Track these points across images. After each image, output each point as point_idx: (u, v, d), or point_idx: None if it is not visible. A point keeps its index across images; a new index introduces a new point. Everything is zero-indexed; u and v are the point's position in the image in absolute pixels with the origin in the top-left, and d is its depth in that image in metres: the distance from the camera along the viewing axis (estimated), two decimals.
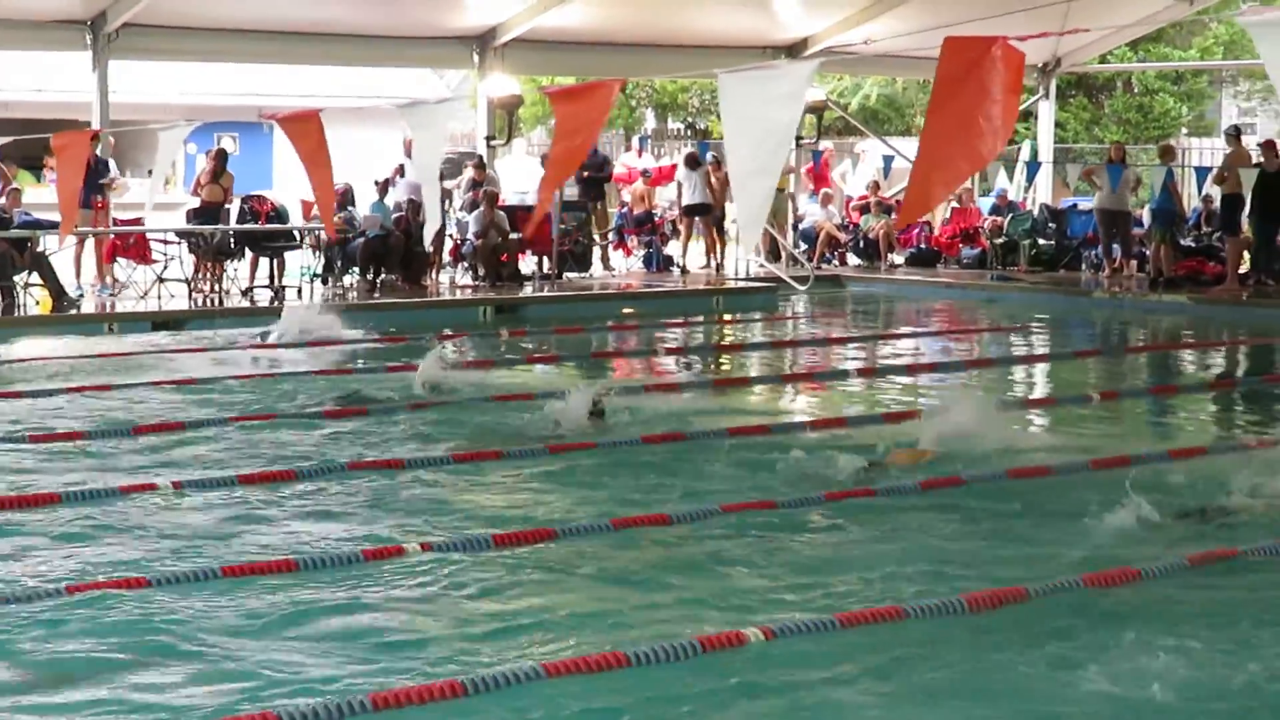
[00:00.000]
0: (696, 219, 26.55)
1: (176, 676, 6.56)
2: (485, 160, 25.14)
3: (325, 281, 22.38)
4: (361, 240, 22.19)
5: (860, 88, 41.51)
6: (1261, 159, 23.50)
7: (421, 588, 7.82)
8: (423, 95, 28.39)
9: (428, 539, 8.60)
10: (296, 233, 22.20)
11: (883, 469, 10.65)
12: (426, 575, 8.01)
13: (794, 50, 27.00)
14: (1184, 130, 40.64)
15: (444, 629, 7.22)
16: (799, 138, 27.29)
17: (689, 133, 43.20)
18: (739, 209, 15.25)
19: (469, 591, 7.79)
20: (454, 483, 10.37)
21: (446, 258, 24.23)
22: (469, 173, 25.06)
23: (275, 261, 22.08)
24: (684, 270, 26.41)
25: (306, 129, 17.19)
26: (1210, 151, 34.71)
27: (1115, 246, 25.21)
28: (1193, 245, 25.08)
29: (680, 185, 26.84)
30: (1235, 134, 24.77)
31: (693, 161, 26.19)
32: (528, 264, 24.69)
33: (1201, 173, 25.02)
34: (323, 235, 22.01)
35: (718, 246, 26.72)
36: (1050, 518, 9.36)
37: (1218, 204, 25.75)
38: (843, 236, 28.34)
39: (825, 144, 31.35)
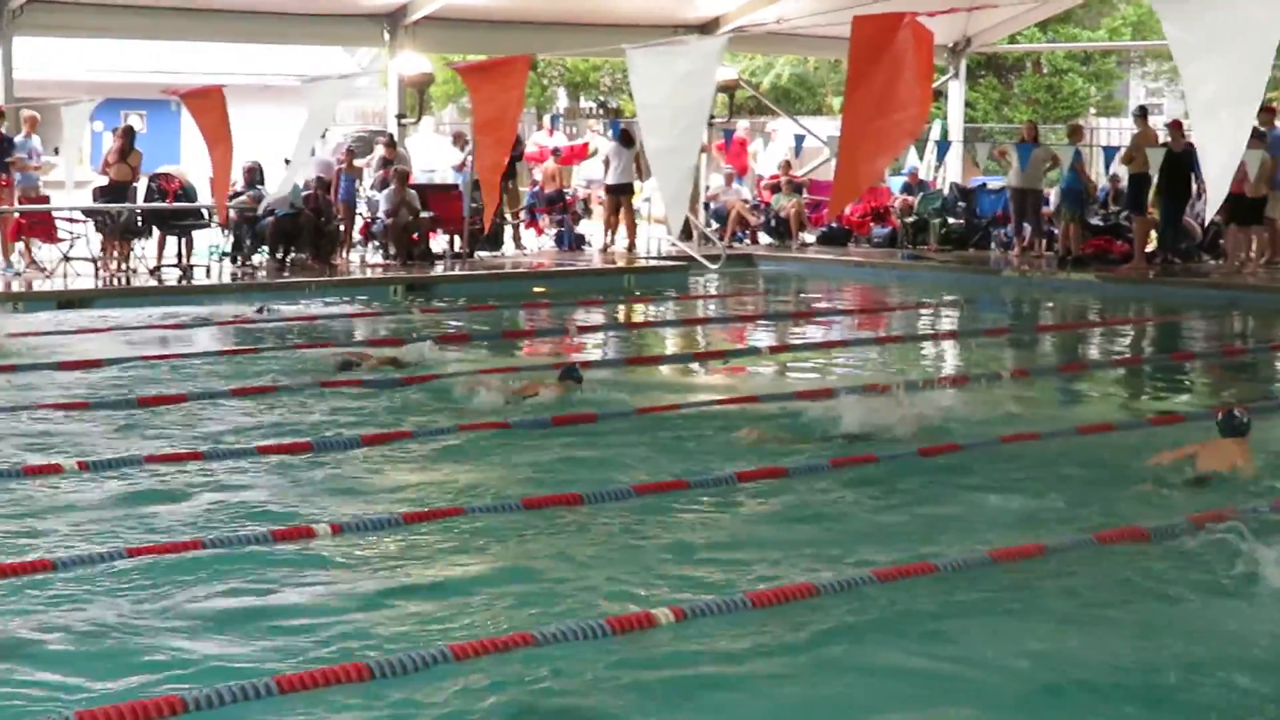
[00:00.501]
0: (619, 197, 26.51)
1: (81, 660, 6.48)
2: (396, 138, 25.00)
3: (234, 260, 22.20)
4: (271, 219, 22.02)
5: (772, 67, 41.55)
6: (1168, 139, 23.69)
7: (330, 569, 7.76)
8: (329, 72, 28.10)
9: (337, 520, 8.53)
10: (205, 211, 21.99)
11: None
12: (335, 556, 7.95)
13: (706, 29, 26.96)
14: (1092, 110, 40.93)
15: (352, 610, 7.15)
16: (710, 116, 27.31)
17: (601, 111, 43.15)
18: (661, 188, 15.26)
19: (378, 572, 7.73)
20: (365, 464, 10.29)
21: (357, 236, 24.10)
22: (379, 151, 24.93)
23: (183, 240, 21.86)
24: (606, 248, 26.38)
25: (209, 105, 17.07)
26: (1118, 131, 34.99)
27: (1025, 225, 25.36)
28: (1100, 224, 25.25)
29: (607, 162, 26.79)
30: (1142, 114, 24.95)
31: (627, 139, 26.07)
32: (439, 242, 24.58)
33: (1109, 152, 25.20)
34: (231, 213, 21.86)
35: (633, 225, 26.71)
36: (961, 494, 9.41)
37: (1125, 183, 25.96)
38: (753, 217, 28.38)
39: (742, 124, 31.43)
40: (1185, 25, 10.57)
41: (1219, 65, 10.20)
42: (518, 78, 16.35)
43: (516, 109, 16.55)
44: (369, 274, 22.36)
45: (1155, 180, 23.53)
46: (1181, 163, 23.00)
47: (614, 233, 26.40)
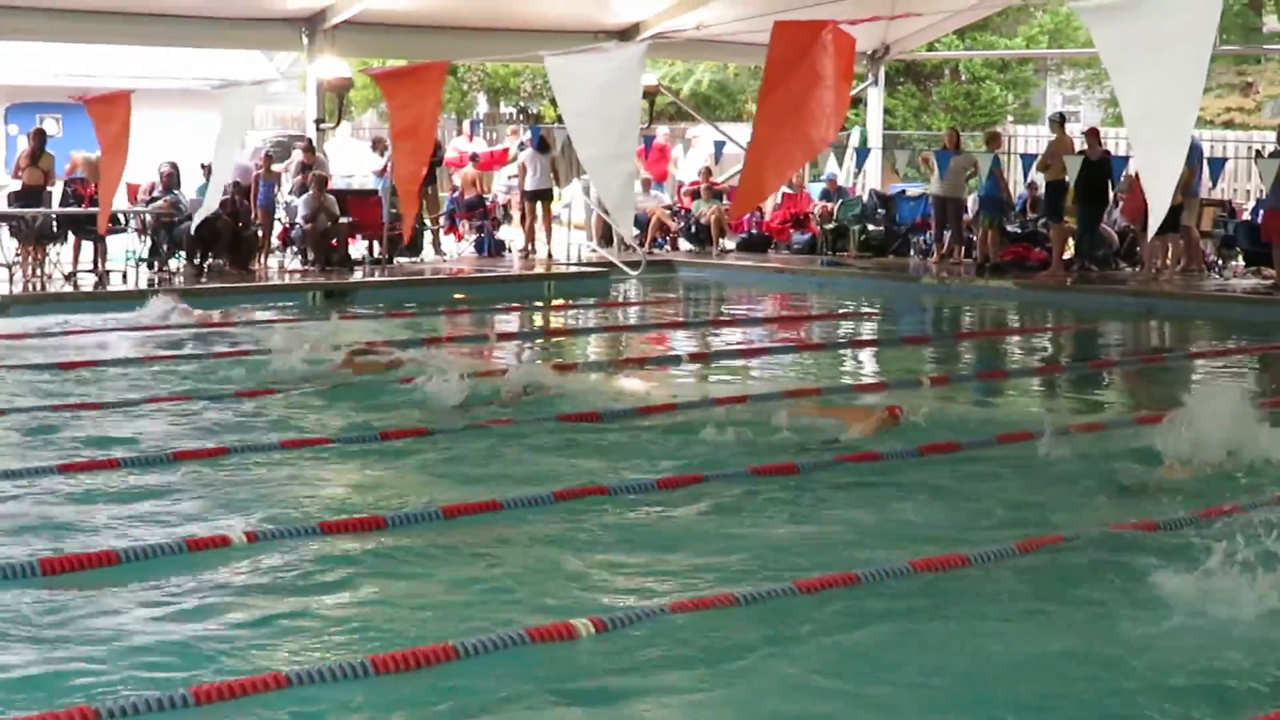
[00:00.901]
0: (538, 203, 26.48)
1: None
2: (315, 143, 24.86)
3: (151, 266, 22.00)
4: (188, 224, 21.85)
5: (692, 73, 41.57)
6: (1085, 146, 23.87)
7: (247, 579, 7.68)
8: (248, 77, 27.92)
9: (253, 529, 8.45)
10: (121, 216, 21.79)
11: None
12: (253, 566, 7.87)
13: (626, 35, 26.94)
14: (1010, 117, 41.14)
15: (270, 621, 7.08)
16: None
17: (521, 117, 43.05)
18: (604, 197, 15.22)
19: (296, 583, 7.65)
20: (284, 471, 10.21)
21: (275, 242, 23.95)
22: (298, 156, 24.79)
23: (96, 245, 21.64)
24: (527, 254, 26.34)
25: (113, 112, 16.87)
26: (1036, 139, 35.15)
27: (945, 232, 25.49)
28: (1018, 231, 25.41)
29: (524, 168, 26.75)
30: (1059, 121, 25.09)
31: (544, 145, 26.06)
32: (358, 248, 24.47)
33: (1027, 160, 25.34)
34: (148, 218, 21.69)
35: (550, 231, 26.68)
36: (882, 502, 9.41)
37: (1043, 190, 26.13)
38: (673, 223, 28.39)
39: (661, 129, 31.44)
40: (1114, 33, 10.60)
41: (1152, 74, 10.23)
42: (434, 84, 16.27)
43: (434, 116, 16.46)
44: (287, 280, 22.20)
45: (1072, 187, 23.72)
46: (1099, 170, 23.21)
47: (534, 239, 26.38)
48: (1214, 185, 25.49)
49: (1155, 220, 10.82)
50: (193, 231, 21.55)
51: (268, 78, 25.74)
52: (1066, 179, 23.34)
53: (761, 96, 12.70)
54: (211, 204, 18.42)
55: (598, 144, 13.97)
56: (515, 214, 28.86)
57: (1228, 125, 38.87)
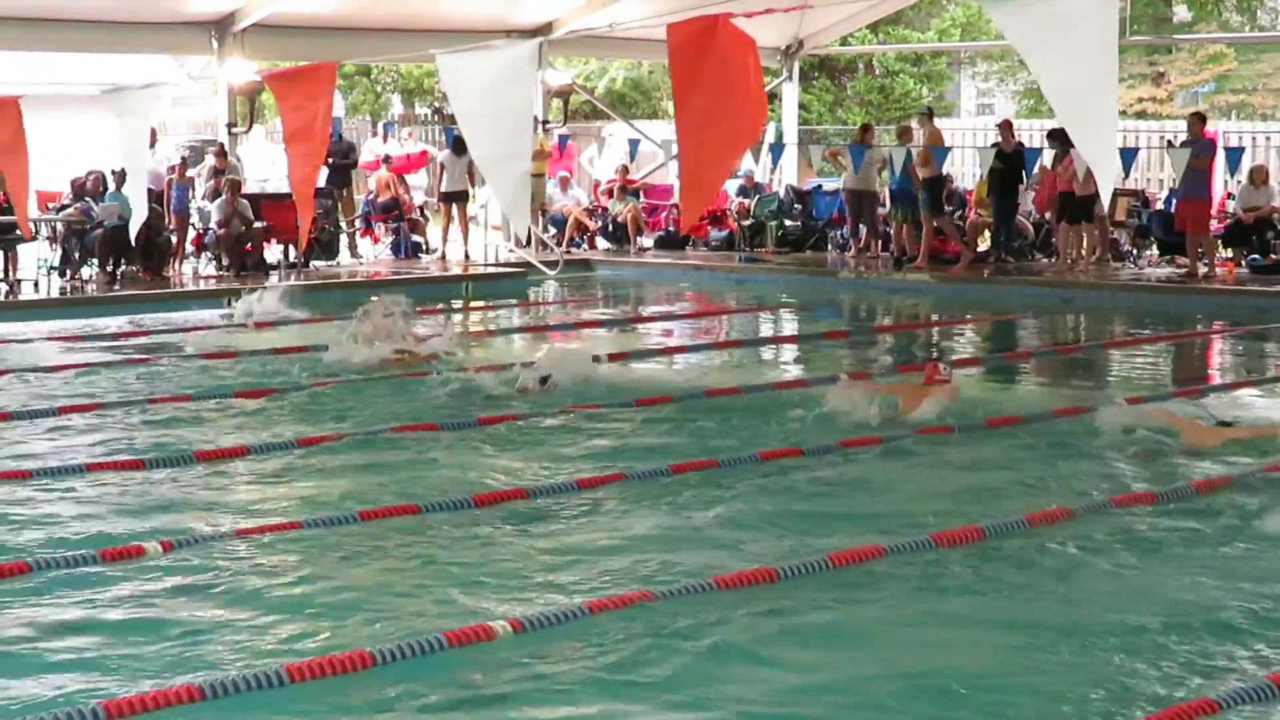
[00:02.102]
0: (454, 205, 26.39)
1: None
2: (227, 147, 24.67)
3: (63, 274, 21.77)
4: (100, 231, 21.63)
5: (606, 71, 41.54)
6: (999, 138, 24.02)
7: (163, 588, 7.59)
8: (155, 80, 27.61)
9: (169, 537, 8.35)
10: (31, 224, 21.54)
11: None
12: (168, 575, 7.78)
13: (538, 34, 26.85)
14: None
15: (184, 630, 7.00)
16: (545, 121, 27.24)
17: (436, 118, 42.87)
18: (498, 197, 15.13)
19: (211, 591, 7.57)
20: (201, 479, 10.10)
21: (189, 247, 23.75)
22: (210, 160, 24.59)
23: (8, 254, 21.39)
24: (443, 256, 26.24)
25: (3, 119, 16.62)
26: (951, 131, 35.30)
27: (861, 226, 25.55)
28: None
29: (442, 169, 26.67)
30: (928, 114, 25.22)
31: (460, 146, 25.95)
32: (273, 252, 24.30)
33: (942, 153, 25.42)
34: (59, 226, 21.47)
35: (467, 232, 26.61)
36: (802, 497, 9.42)
37: (957, 184, 26.29)
38: (590, 222, 28.36)
39: (570, 129, 31.37)
40: (1018, 19, 10.62)
41: (1063, 55, 10.24)
42: (325, 85, 16.15)
43: (326, 117, 16.31)
44: (202, 286, 22.00)
45: (986, 179, 23.87)
46: (1012, 162, 23.35)
47: (447, 238, 26.33)
48: (1127, 175, 25.66)
49: (1106, 190, 10.77)
50: (91, 230, 21.38)
51: (160, 81, 25.39)
52: (942, 172, 23.56)
53: (677, 102, 12.67)
54: (141, 212, 18.22)
55: (490, 144, 13.89)
56: (431, 215, 28.81)
57: (1140, 115, 39.16)
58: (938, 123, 25.62)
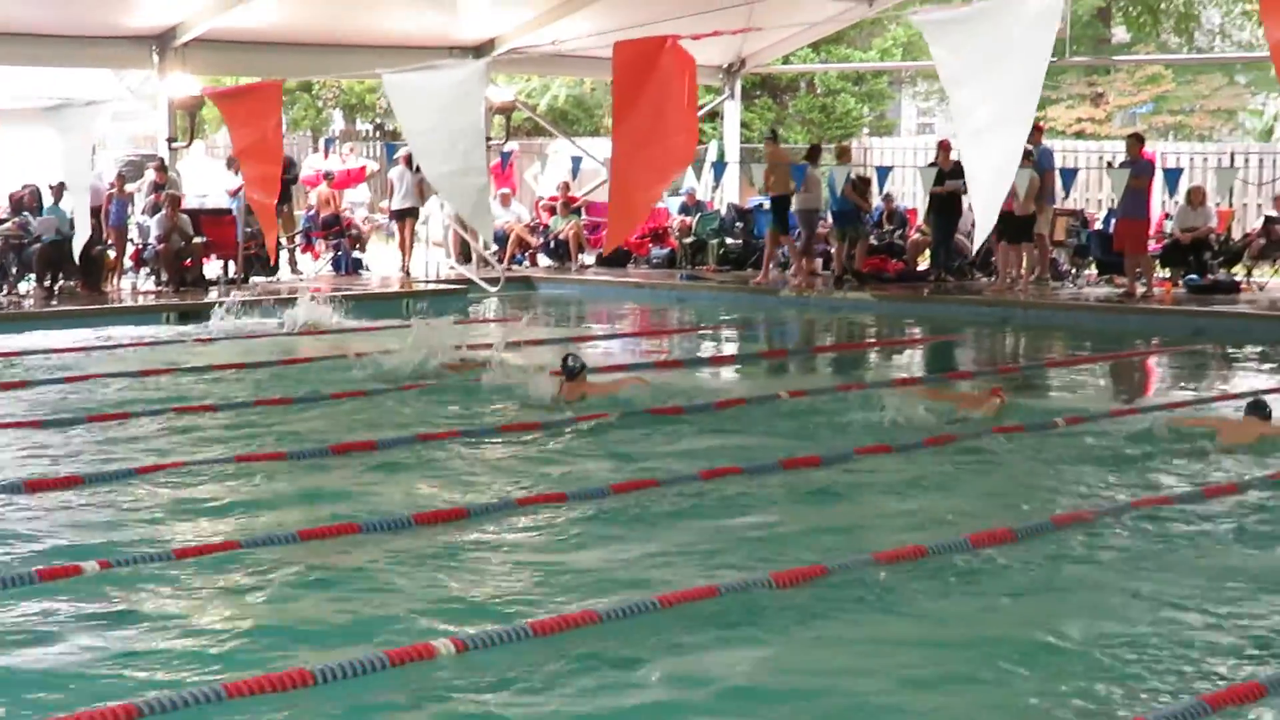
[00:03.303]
0: (406, 220, 26.42)
1: None
2: (167, 162, 24.54)
3: (0, 289, 21.63)
4: (37, 246, 21.49)
5: (549, 88, 41.54)
6: (937, 157, 24.13)
7: (99, 608, 7.53)
8: (96, 95, 27.46)
9: (106, 557, 8.29)
10: None
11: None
12: (105, 595, 7.72)
13: (481, 51, 26.88)
14: (866, 130, 41.46)
15: (121, 650, 6.95)
16: (488, 138, 27.22)
17: (378, 134, 42.78)
18: (458, 211, 15.10)
19: (149, 610, 7.52)
20: (139, 497, 10.04)
21: (128, 262, 23.62)
22: (150, 175, 24.47)
23: None
24: (407, 271, 26.25)
25: None
26: (893, 150, 35.44)
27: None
28: (875, 244, 25.58)
29: (392, 185, 26.69)
30: (772, 136, 25.54)
31: (411, 162, 25.95)
32: (212, 268, 24.19)
33: (883, 172, 25.50)
34: None
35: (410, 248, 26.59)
36: (742, 516, 9.43)
37: (898, 203, 26.42)
38: (532, 239, 28.35)
39: (511, 145, 31.34)
40: (952, 49, 10.68)
41: (988, 88, 10.32)
42: (273, 103, 16.13)
43: (276, 133, 16.32)
44: (141, 301, 21.88)
45: (926, 199, 23.98)
46: (951, 180, 23.46)
47: (410, 253, 26.41)
48: (1066, 195, 25.81)
49: (982, 232, 10.94)
50: (29, 245, 21.27)
51: (104, 97, 25.22)
52: (788, 191, 24.10)
53: (615, 120, 12.68)
54: (85, 229, 18.13)
55: (445, 161, 13.89)
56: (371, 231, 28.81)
57: (1079, 135, 39.37)
58: (877, 141, 25.73)
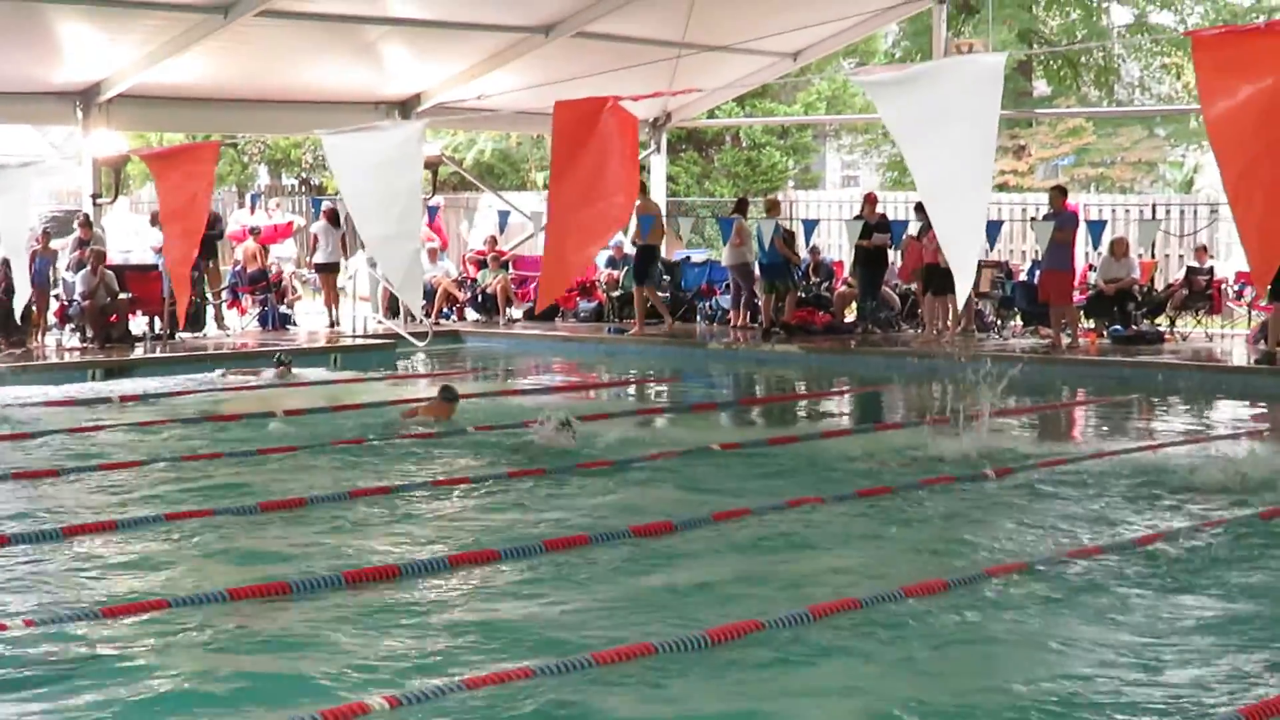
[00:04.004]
0: (331, 276, 26.49)
1: None
2: (91, 218, 24.40)
3: None
4: None
5: (475, 142, 41.59)
6: (863, 209, 24.28)
7: (22, 668, 7.44)
8: (20, 150, 27.33)
9: (31, 615, 8.20)
10: None
11: None
12: (28, 654, 7.62)
13: (407, 105, 26.91)
14: (791, 183, 41.66)
15: (47, 709, 6.87)
16: None
17: (303, 189, 42.73)
18: (389, 275, 15.07)
19: (74, 670, 7.42)
20: (65, 555, 9.93)
21: (52, 319, 23.44)
22: (75, 231, 24.33)
23: None
24: (334, 324, 26.30)
25: None
26: (818, 203, 35.64)
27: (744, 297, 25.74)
28: (802, 296, 25.68)
29: (315, 240, 26.68)
30: (643, 189, 25.83)
31: (334, 218, 25.97)
32: (138, 324, 24.04)
33: (808, 225, 25.63)
34: None
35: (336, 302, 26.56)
36: (677, 570, 9.41)
37: (824, 255, 26.56)
38: (460, 293, 28.32)
39: (438, 199, 31.37)
40: (899, 109, 10.75)
41: (942, 148, 10.38)
42: (206, 165, 16.08)
43: (206, 196, 16.26)
44: (66, 358, 21.70)
45: (853, 251, 24.11)
46: (877, 233, 23.61)
47: (337, 305, 26.46)
48: (991, 247, 26.00)
49: (963, 291, 10.99)
50: (17, 317, 21.17)
51: (38, 159, 25.16)
52: (654, 242, 24.83)
53: (553, 180, 12.69)
54: (26, 288, 18.00)
55: (380, 223, 13.88)
56: (296, 286, 28.75)
57: (1002, 188, 39.66)
58: (803, 194, 25.86)
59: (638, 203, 24.58)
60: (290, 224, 30.62)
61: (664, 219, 24.90)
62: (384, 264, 14.03)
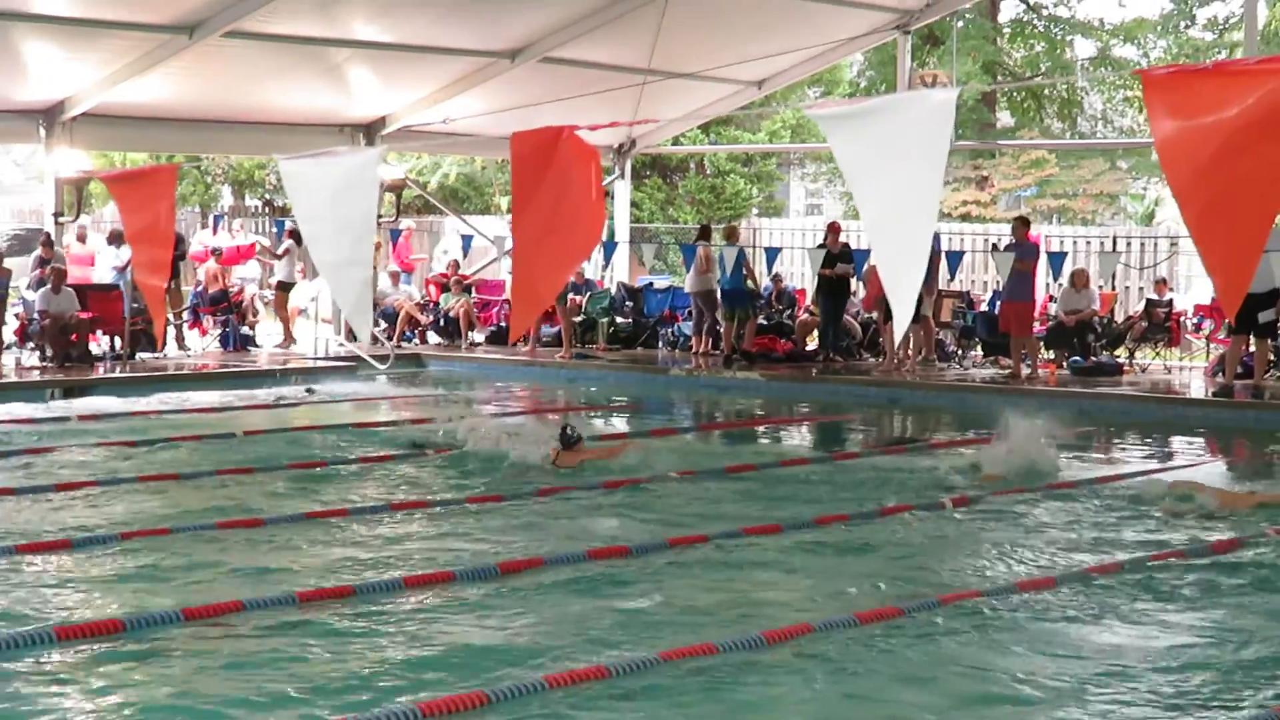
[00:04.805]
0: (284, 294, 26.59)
1: None
2: (53, 237, 24.34)
3: None
4: None
5: (439, 166, 41.61)
6: (827, 239, 24.34)
7: None
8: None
9: None
10: None
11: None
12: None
13: (372, 128, 26.92)
14: (755, 211, 41.77)
15: None
16: (378, 216, 27.21)
17: (267, 210, 42.67)
18: (339, 301, 15.07)
19: (28, 693, 7.40)
20: (21, 574, 9.90)
21: (12, 337, 23.36)
22: (37, 250, 24.27)
23: None
24: (289, 341, 26.47)
25: None
26: (781, 231, 35.75)
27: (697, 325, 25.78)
28: (764, 323, 25.73)
29: (276, 259, 26.75)
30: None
31: (298, 237, 25.98)
32: (98, 344, 23.96)
33: (772, 253, 25.70)
34: None
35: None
36: (629, 598, 9.41)
37: (787, 283, 26.62)
38: (422, 317, 28.30)
39: (407, 223, 31.39)
40: (850, 141, 10.81)
41: (889, 180, 10.45)
42: (167, 186, 16.09)
43: (169, 217, 16.25)
44: (25, 377, 21.60)
45: (815, 281, 24.17)
46: (840, 262, 23.68)
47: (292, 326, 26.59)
48: (952, 277, 26.11)
49: (901, 325, 11.07)
50: None
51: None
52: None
53: (515, 210, 12.70)
54: None
55: (333, 249, 13.89)
56: (260, 307, 28.74)
57: (965, 218, 39.86)
58: (766, 222, 25.89)
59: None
60: (254, 245, 30.56)
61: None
62: (335, 290, 13.99)
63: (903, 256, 10.66)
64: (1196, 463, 16.27)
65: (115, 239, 25.98)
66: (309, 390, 21.68)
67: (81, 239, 26.57)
